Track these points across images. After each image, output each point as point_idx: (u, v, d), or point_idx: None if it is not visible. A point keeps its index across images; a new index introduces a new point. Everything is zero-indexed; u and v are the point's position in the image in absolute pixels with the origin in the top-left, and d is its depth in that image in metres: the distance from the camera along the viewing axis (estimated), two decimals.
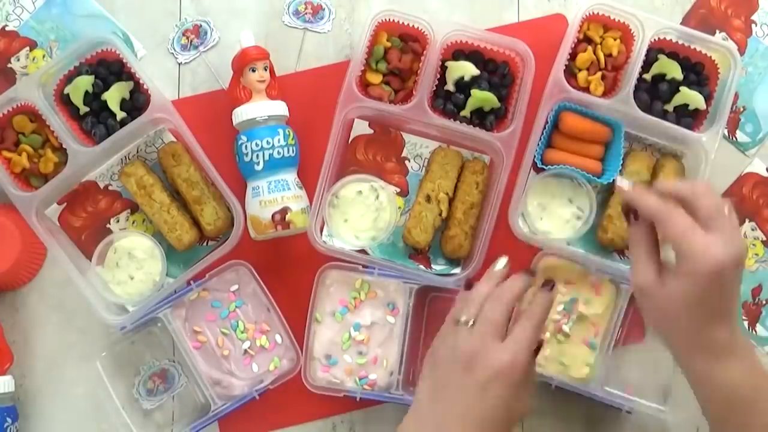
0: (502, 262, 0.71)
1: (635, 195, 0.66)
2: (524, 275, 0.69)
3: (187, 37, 0.86)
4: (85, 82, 0.79)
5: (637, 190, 0.67)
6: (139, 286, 0.81)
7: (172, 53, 0.86)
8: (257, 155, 0.80)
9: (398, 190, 0.85)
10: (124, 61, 0.80)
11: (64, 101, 0.80)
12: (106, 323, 0.79)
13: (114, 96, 0.80)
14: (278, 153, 0.80)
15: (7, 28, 0.85)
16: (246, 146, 0.80)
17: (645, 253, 0.66)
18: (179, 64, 0.86)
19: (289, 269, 0.84)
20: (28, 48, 0.85)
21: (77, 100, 0.80)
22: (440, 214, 0.82)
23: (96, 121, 0.80)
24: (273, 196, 0.80)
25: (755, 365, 0.65)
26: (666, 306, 0.64)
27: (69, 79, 0.80)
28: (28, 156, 0.80)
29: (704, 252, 0.61)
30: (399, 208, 0.84)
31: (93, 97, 0.80)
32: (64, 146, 0.79)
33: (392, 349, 0.83)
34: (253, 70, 0.80)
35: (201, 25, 0.86)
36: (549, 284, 0.69)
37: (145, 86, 0.80)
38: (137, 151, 0.84)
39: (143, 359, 0.84)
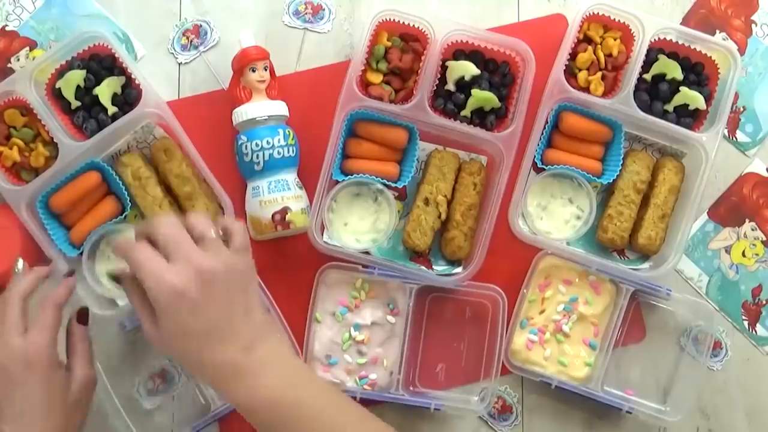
0: (19, 264, 0.73)
1: (117, 244, 0.65)
2: (34, 272, 0.71)
3: (187, 37, 0.86)
4: (77, 76, 0.79)
5: (119, 242, 0.65)
6: None
7: (172, 53, 0.86)
8: (257, 155, 0.80)
9: (396, 193, 0.84)
10: (116, 56, 0.80)
11: (56, 95, 0.80)
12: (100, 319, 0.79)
13: (105, 91, 0.80)
14: (278, 153, 0.80)
15: (7, 28, 0.85)
16: (246, 146, 0.80)
17: (138, 302, 0.64)
18: (179, 64, 0.86)
19: (289, 269, 0.84)
20: (28, 48, 0.85)
21: (69, 94, 0.79)
22: (439, 217, 0.82)
23: (87, 115, 0.80)
24: (273, 196, 0.80)
25: (280, 378, 0.63)
26: (168, 345, 0.63)
27: (61, 73, 0.80)
28: (19, 150, 0.80)
29: (158, 280, 0.60)
30: (398, 211, 0.84)
31: (85, 92, 0.80)
32: (55, 140, 0.78)
33: (392, 349, 0.83)
34: (253, 70, 0.80)
35: (201, 25, 0.86)
36: (70, 274, 0.73)
37: (136, 81, 0.80)
38: (128, 148, 0.83)
39: (143, 359, 0.84)
